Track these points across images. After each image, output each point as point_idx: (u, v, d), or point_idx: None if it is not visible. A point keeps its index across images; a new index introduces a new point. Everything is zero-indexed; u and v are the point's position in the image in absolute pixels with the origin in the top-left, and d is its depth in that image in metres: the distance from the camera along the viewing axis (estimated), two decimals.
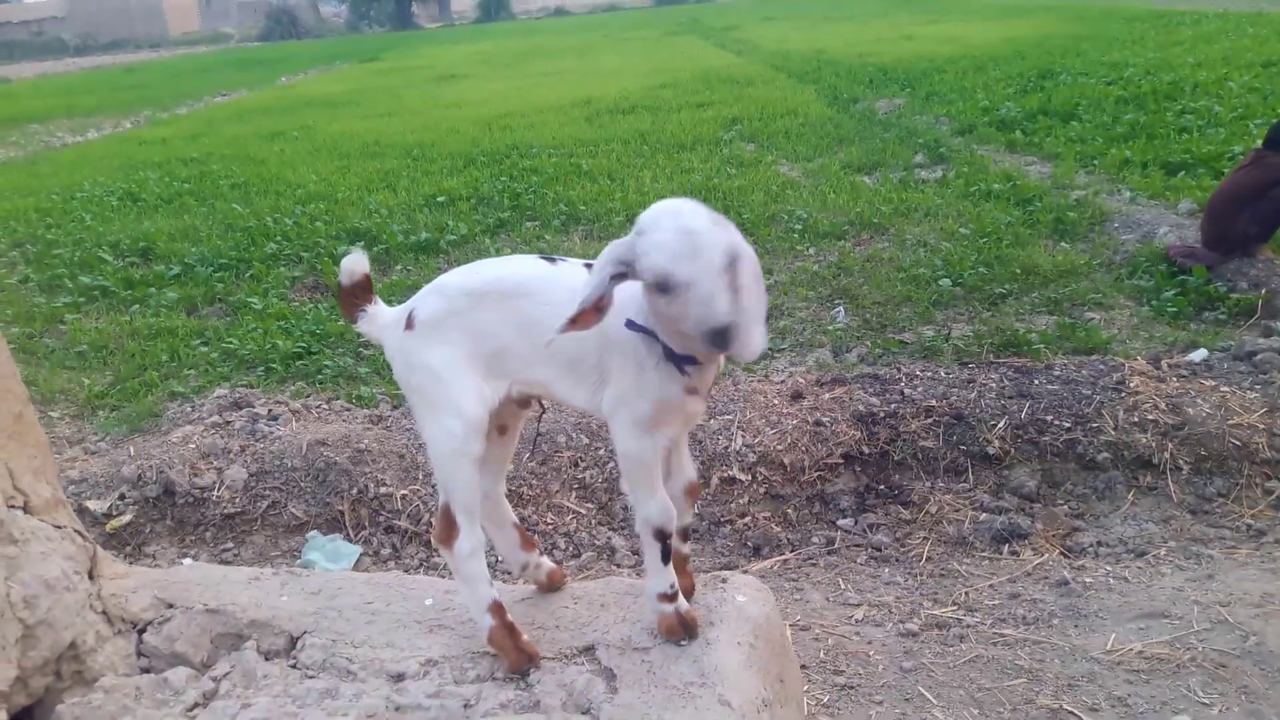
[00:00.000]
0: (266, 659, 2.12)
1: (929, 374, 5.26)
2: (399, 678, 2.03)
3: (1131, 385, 4.84)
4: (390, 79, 22.67)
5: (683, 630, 2.07)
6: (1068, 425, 4.68)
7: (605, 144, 10.90)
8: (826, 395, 5.21)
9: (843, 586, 3.94)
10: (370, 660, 2.08)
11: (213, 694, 2.01)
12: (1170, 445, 4.51)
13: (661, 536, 2.15)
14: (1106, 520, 4.34)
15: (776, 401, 5.21)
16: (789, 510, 4.69)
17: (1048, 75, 11.51)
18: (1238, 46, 13.42)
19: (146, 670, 2.07)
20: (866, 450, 4.82)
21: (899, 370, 5.36)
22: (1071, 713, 2.94)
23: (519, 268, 2.24)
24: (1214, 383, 4.86)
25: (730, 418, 5.05)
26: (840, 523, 4.60)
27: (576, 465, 4.79)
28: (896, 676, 3.22)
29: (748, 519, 4.65)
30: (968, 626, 3.46)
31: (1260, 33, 15.09)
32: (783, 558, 4.43)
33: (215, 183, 9.64)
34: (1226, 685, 2.98)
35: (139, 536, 4.38)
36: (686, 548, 2.33)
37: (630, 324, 2.00)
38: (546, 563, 2.45)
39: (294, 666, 2.09)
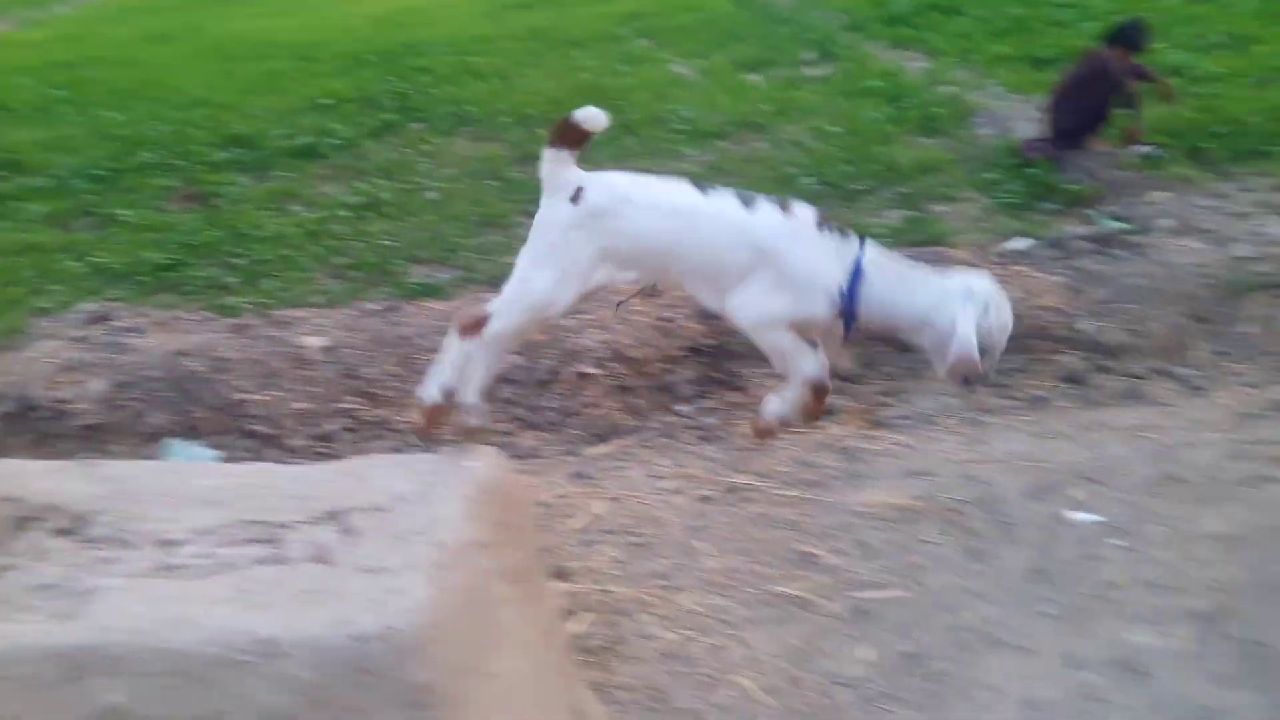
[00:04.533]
0: (58, 536, 2.39)
1: None
2: (172, 544, 2.30)
3: None
4: None
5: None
6: None
7: (499, 41, 10.82)
8: (678, 292, 5.50)
9: (661, 463, 4.28)
10: (149, 532, 2.35)
11: (6, 568, 2.28)
12: None
13: (819, 390, 2.86)
14: (913, 396, 4.71)
15: (633, 300, 5.49)
16: (636, 400, 5.01)
17: None
18: None
19: None
20: (707, 342, 5.14)
21: None
22: (816, 554, 3.35)
23: (687, 193, 2.67)
24: (1026, 269, 5.24)
25: (588, 317, 5.32)
26: (678, 408, 4.94)
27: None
28: (683, 534, 3.60)
29: (599, 410, 4.98)
30: (758, 490, 3.84)
31: None
32: (623, 441, 4.76)
33: (92, 89, 9.44)
34: (955, 529, 3.41)
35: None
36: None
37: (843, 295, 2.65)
38: (472, 420, 2.80)
39: (81, 541, 2.36)
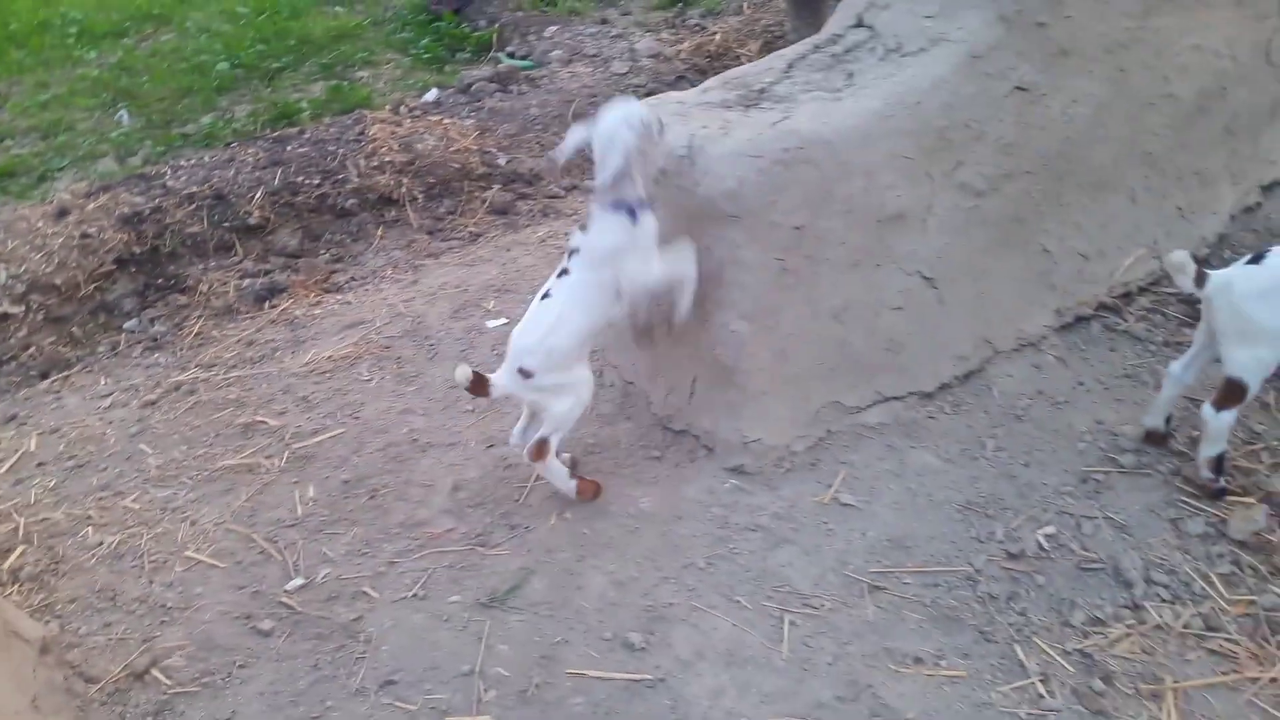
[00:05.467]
0: None
1: (192, 161, 5.33)
2: None
3: (371, 134, 5.34)
4: None
5: None
6: (317, 182, 5.08)
7: None
8: (91, 205, 5.09)
9: (104, 383, 4.07)
10: None
11: None
12: (405, 180, 5.11)
13: None
14: (363, 258, 4.85)
15: (41, 224, 4.99)
16: (73, 329, 4.64)
17: None
18: None
19: None
20: (138, 250, 4.85)
21: (165, 165, 5.37)
22: (263, 421, 3.45)
23: None
24: (440, 117, 5.52)
25: None
26: (126, 325, 4.66)
27: None
28: (124, 443, 3.50)
29: (31, 349, 4.55)
30: (204, 381, 3.81)
31: None
32: (64, 374, 4.41)
33: None
34: (387, 362, 3.67)
35: None
36: None
37: None
38: None
39: None
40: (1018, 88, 2.76)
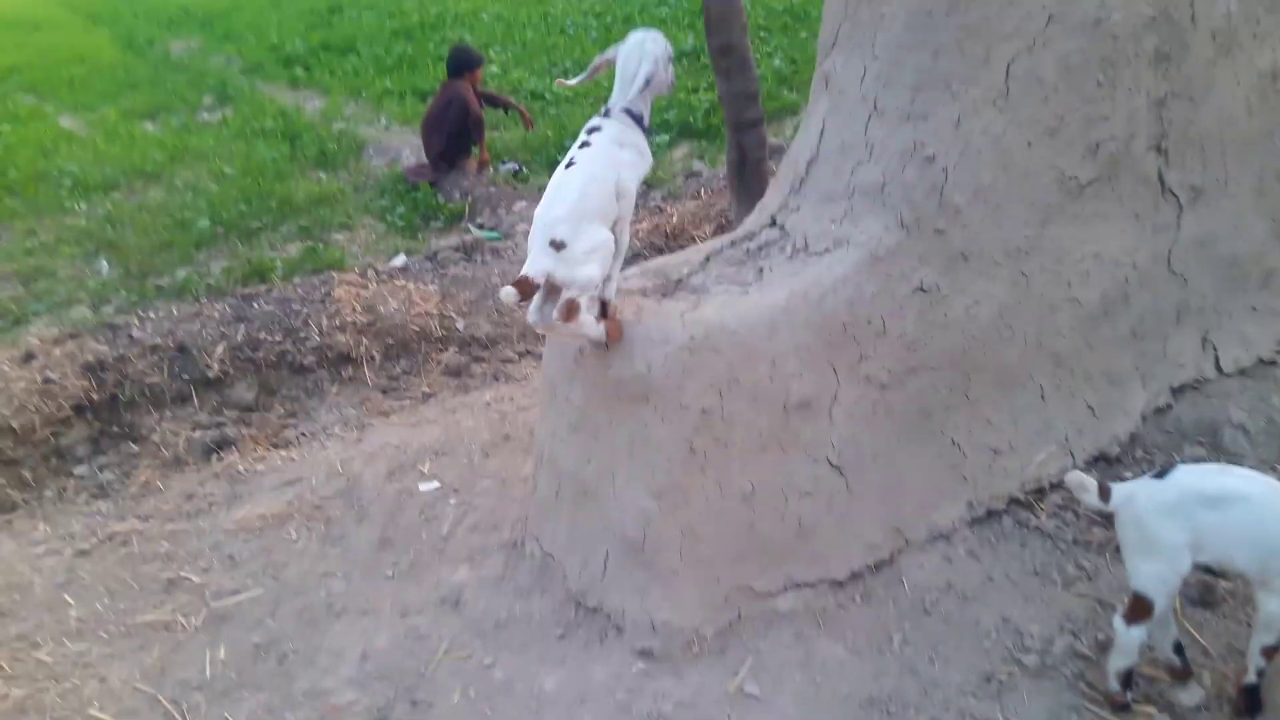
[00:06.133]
0: None
1: (160, 313, 5.49)
2: None
3: (336, 295, 5.52)
4: None
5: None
6: (279, 339, 5.22)
7: None
8: (57, 351, 5.21)
9: (41, 529, 4.07)
10: None
11: None
12: (365, 339, 5.25)
13: None
14: (316, 413, 4.94)
15: (6, 367, 5.10)
16: (24, 471, 4.67)
17: (336, 10, 12.10)
18: None
19: None
20: (97, 398, 4.94)
21: (134, 315, 5.52)
22: (187, 577, 3.45)
23: None
24: (404, 282, 5.71)
25: None
26: (76, 470, 4.70)
27: None
28: (50, 592, 3.49)
29: None
30: (137, 532, 3.83)
31: None
32: (5, 516, 4.41)
33: None
34: (317, 522, 3.70)
35: None
36: None
37: None
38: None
39: None
40: (919, 288, 2.92)
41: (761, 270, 2.95)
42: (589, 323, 2.73)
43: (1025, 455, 3.24)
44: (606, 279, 2.75)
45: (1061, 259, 3.15)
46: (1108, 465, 3.36)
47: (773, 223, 3.14)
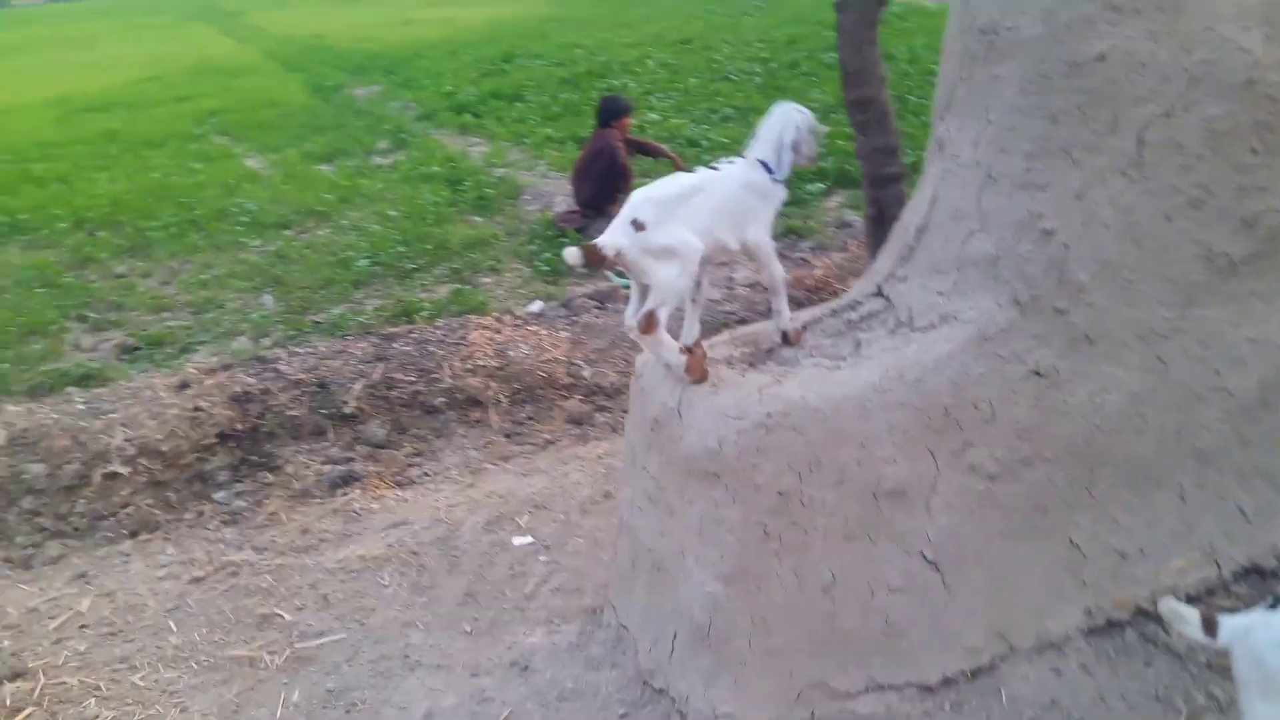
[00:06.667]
0: None
1: (307, 349, 5.73)
2: None
3: (470, 339, 5.61)
4: None
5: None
6: (413, 379, 5.35)
7: (67, 145, 10.39)
8: (209, 381, 5.50)
9: (169, 552, 4.27)
10: None
11: None
12: (493, 383, 5.30)
13: None
14: (441, 453, 5.02)
15: (164, 394, 5.43)
16: (169, 494, 4.95)
17: (509, 59, 12.54)
18: (664, 26, 15.27)
19: None
20: (240, 427, 5.18)
21: (285, 350, 5.79)
22: (279, 614, 3.52)
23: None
24: (537, 328, 5.76)
25: (114, 415, 5.20)
26: (216, 495, 4.94)
27: None
28: (158, 617, 3.64)
29: (130, 509, 4.86)
30: (249, 564, 3.95)
31: (687, 9, 17.15)
32: (148, 536, 4.66)
33: None
34: (410, 569, 3.70)
35: None
36: None
37: None
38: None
39: None
40: (1034, 372, 2.65)
41: (859, 344, 2.76)
42: (668, 343, 2.67)
43: (1158, 561, 2.88)
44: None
45: (1208, 343, 2.81)
46: (1261, 579, 2.95)
47: (878, 292, 2.94)
